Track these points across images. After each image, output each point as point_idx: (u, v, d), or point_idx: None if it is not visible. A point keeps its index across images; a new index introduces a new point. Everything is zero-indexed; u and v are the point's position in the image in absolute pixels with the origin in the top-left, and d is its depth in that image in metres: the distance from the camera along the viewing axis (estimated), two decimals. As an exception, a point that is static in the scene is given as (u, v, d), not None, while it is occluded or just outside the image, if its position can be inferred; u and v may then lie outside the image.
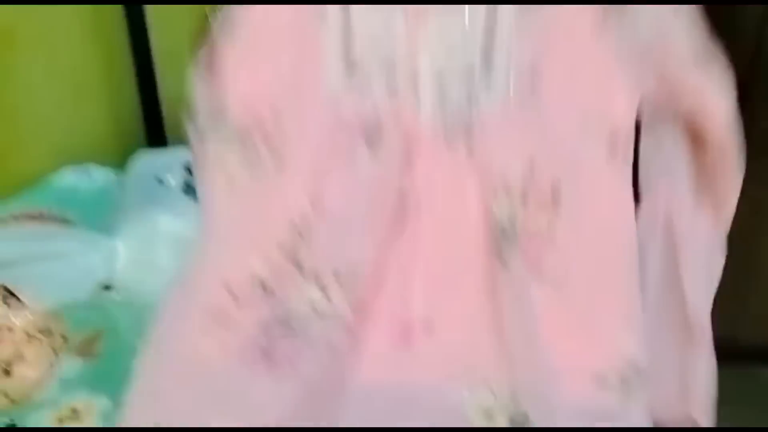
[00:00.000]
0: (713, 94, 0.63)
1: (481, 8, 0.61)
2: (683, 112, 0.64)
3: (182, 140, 1.96)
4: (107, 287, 1.02)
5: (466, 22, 0.62)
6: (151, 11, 1.69)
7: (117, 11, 1.63)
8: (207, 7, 0.69)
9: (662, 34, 0.62)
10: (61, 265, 1.02)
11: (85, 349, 0.91)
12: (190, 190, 1.08)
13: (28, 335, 0.90)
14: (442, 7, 0.62)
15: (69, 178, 1.39)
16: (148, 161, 1.09)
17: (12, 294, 0.98)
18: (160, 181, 1.04)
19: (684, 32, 0.62)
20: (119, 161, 1.54)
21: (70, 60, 1.50)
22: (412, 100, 0.61)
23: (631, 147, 0.62)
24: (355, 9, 0.62)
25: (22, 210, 1.24)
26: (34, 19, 1.36)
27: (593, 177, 0.60)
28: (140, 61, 1.71)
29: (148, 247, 1.00)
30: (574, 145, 0.60)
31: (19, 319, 0.92)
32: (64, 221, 1.21)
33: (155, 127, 1.74)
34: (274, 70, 0.62)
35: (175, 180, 1.05)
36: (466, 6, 0.61)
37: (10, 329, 0.89)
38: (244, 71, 0.62)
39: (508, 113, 0.60)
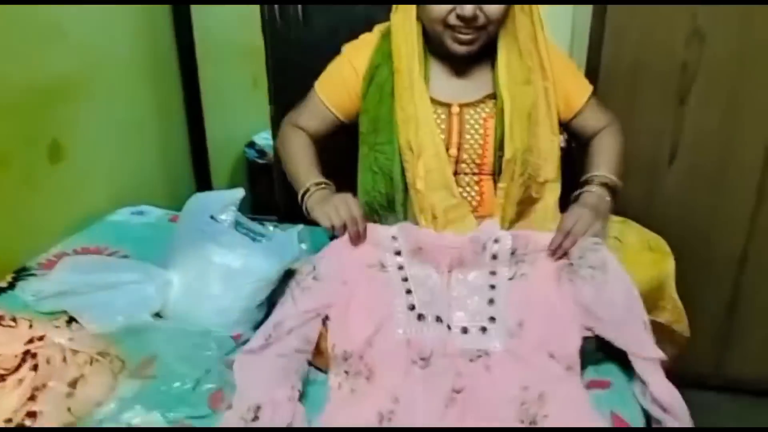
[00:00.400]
0: (643, 345, 0.90)
1: (486, 284, 0.98)
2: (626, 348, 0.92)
3: (226, 184, 2.09)
4: (160, 315, 1.09)
5: (478, 288, 0.97)
6: (202, 67, 1.84)
7: (172, 66, 1.78)
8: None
9: (599, 290, 0.92)
10: (118, 294, 1.09)
11: (141, 372, 0.97)
12: (239, 226, 1.15)
13: (90, 358, 0.96)
14: (461, 269, 0.99)
15: (124, 216, 1.50)
16: (201, 200, 1.17)
17: (75, 320, 1.06)
18: (213, 218, 1.12)
19: (617, 290, 0.92)
20: (170, 202, 1.65)
21: (126, 112, 1.62)
22: (450, 339, 0.95)
23: (579, 364, 0.92)
24: (407, 267, 1.00)
25: (83, 245, 1.34)
26: (94, 75, 1.49)
27: (560, 383, 0.90)
28: (191, 112, 1.85)
29: (200, 278, 1.06)
30: (547, 367, 0.92)
31: (81, 344, 0.98)
32: (120, 255, 1.30)
33: (203, 172, 1.86)
34: (365, 322, 0.96)
35: (226, 217, 1.12)
36: (473, 280, 0.98)
37: (74, 352, 0.96)
38: (347, 327, 0.95)
39: (507, 349, 0.94)
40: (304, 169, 1.12)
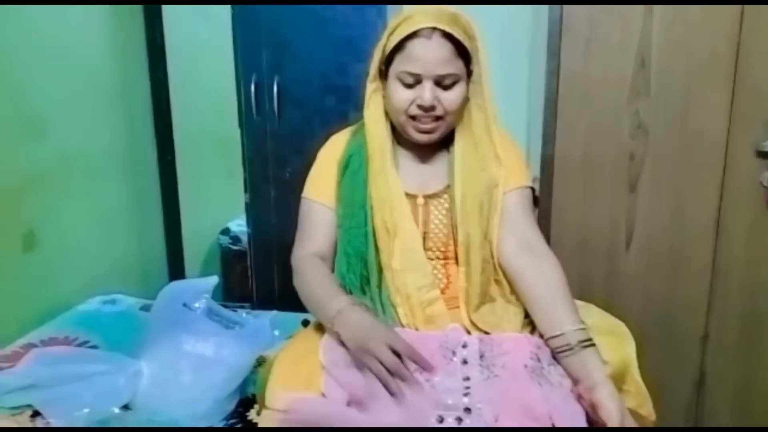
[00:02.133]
0: None
1: (461, 387, 0.97)
2: None
3: (199, 272, 2.09)
4: (128, 407, 1.07)
5: (454, 390, 0.97)
6: (180, 159, 1.90)
7: (150, 157, 1.84)
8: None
9: (564, 398, 0.95)
10: (86, 386, 1.07)
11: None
12: (212, 314, 1.16)
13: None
14: (443, 361, 1.00)
15: (95, 305, 1.50)
16: (175, 288, 1.19)
17: (39, 414, 1.03)
18: (186, 306, 1.13)
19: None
20: (143, 291, 1.65)
21: (103, 201, 1.66)
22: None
23: None
24: None
25: (51, 335, 1.32)
26: (73, 165, 1.54)
27: None
28: (167, 202, 1.89)
29: (171, 367, 1.06)
30: None
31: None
32: (89, 345, 1.29)
33: (177, 260, 1.88)
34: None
35: (200, 305, 1.14)
36: (449, 385, 0.97)
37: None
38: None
39: None
40: (325, 295, 1.08)
